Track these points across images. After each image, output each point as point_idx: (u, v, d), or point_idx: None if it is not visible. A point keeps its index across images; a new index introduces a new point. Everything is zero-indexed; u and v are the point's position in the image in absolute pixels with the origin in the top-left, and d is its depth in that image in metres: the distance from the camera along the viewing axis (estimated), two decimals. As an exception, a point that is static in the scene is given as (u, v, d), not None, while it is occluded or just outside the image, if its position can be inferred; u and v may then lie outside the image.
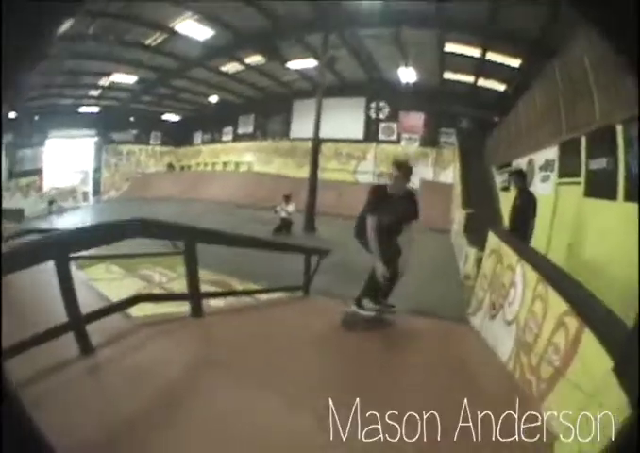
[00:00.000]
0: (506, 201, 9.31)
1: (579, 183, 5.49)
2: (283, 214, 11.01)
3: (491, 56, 10.95)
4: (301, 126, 18.28)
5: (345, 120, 16.23)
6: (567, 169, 6.10)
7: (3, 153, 15.33)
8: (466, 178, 10.95)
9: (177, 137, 22.91)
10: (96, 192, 19.77)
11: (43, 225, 12.40)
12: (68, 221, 14.50)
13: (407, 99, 15.28)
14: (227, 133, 21.53)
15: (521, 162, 8.79)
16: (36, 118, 17.01)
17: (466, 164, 11.68)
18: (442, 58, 11.88)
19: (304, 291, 5.07)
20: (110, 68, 14.32)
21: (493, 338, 3.40)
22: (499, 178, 10.74)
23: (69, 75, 14.14)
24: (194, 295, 3.20)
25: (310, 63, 13.73)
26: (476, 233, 8.42)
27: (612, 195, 4.29)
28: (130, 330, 2.69)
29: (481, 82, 13.07)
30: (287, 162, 18.63)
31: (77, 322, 2.38)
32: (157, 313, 3.07)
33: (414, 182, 14.32)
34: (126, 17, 10.69)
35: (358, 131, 16.53)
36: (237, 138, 21.01)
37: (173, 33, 11.70)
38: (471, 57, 11.32)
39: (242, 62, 14.39)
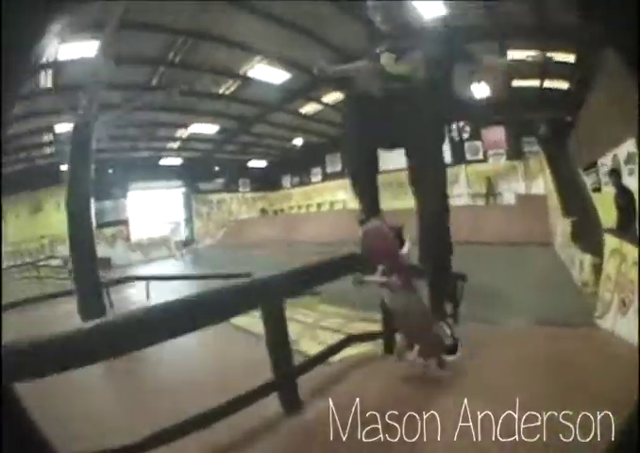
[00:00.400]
0: (599, 202, 8.98)
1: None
2: None
3: (550, 55, 10.74)
4: (390, 157, 18.70)
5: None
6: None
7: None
8: (560, 186, 10.72)
9: (266, 182, 23.77)
10: (190, 241, 20.29)
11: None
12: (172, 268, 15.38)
13: (484, 115, 15.26)
14: (316, 174, 22.49)
15: (607, 159, 8.50)
16: (110, 171, 17.33)
17: (556, 171, 11.47)
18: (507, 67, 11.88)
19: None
20: (186, 119, 15.05)
21: (628, 332, 3.56)
22: (588, 180, 10.31)
23: (141, 127, 14.83)
24: (389, 333, 3.04)
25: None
26: (584, 240, 8.26)
27: None
28: (337, 374, 2.52)
29: (547, 84, 12.91)
30: (384, 196, 19.11)
31: (289, 376, 2.13)
32: (351, 354, 2.98)
33: (510, 198, 14.17)
34: (190, 65, 11.03)
35: (445, 156, 16.72)
36: (326, 177, 21.83)
37: (246, 79, 12.07)
38: (533, 60, 11.18)
39: (320, 102, 14.99)
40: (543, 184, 13.65)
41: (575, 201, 9.77)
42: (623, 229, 5.27)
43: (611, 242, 4.87)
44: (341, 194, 20.14)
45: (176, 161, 20.48)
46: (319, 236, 16.42)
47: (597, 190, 9.64)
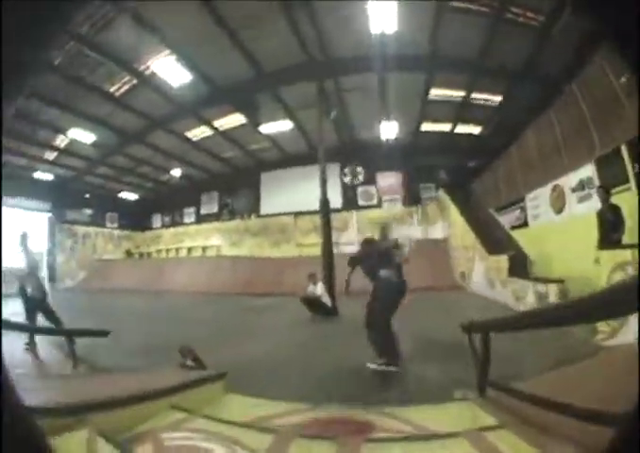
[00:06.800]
0: (523, 237, 9.34)
1: (629, 188, 6.09)
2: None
3: (475, 95, 11.29)
4: (272, 201, 17.76)
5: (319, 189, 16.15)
6: (609, 181, 6.41)
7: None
8: (475, 226, 10.85)
9: (135, 219, 21.06)
10: (51, 278, 16.42)
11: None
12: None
13: (382, 159, 15.24)
14: (190, 214, 20.07)
15: (542, 191, 8.88)
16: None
17: (466, 213, 11.70)
18: (424, 106, 12.05)
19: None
20: (68, 120, 12.27)
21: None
22: (507, 218, 10.73)
23: (24, 118, 11.72)
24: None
25: (285, 126, 13.39)
26: (523, 273, 8.15)
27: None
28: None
29: (458, 129, 13.42)
30: (260, 242, 17.55)
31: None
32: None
33: (405, 244, 13.99)
34: (98, 46, 8.91)
35: (335, 200, 15.99)
36: (201, 219, 19.65)
37: (143, 78, 10.26)
38: (454, 100, 11.60)
39: (211, 126, 13.55)
40: (441, 230, 13.95)
41: (496, 239, 9.90)
42: (613, 244, 5.30)
43: (615, 254, 4.78)
44: (215, 239, 18.78)
45: (49, 176, 17.01)
46: (191, 285, 14.91)
47: (520, 226, 9.96)
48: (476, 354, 2.83)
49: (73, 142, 13.79)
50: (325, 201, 9.77)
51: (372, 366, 4.40)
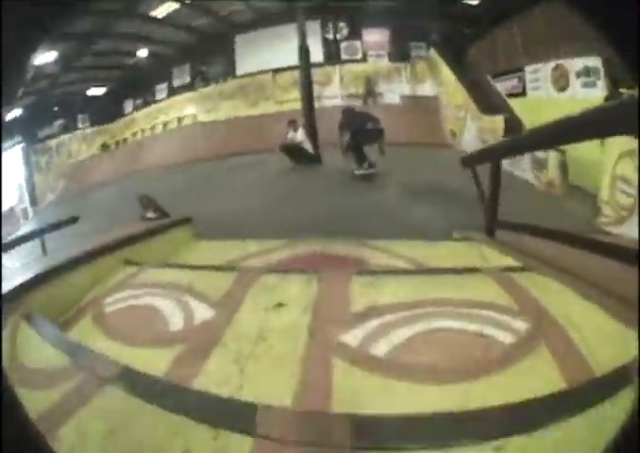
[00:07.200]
0: (519, 106, 9.39)
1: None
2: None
3: None
4: (250, 61, 16.32)
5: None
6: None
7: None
8: (470, 87, 10.72)
9: (106, 112, 19.26)
10: (33, 202, 15.71)
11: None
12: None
13: (369, 17, 14.36)
14: (162, 90, 18.21)
15: (543, 68, 8.67)
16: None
17: (459, 74, 11.45)
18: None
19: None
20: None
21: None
22: (503, 85, 10.57)
23: None
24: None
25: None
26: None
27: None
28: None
29: None
30: (237, 104, 16.74)
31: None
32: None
33: (394, 98, 13.82)
34: None
35: (317, 55, 14.73)
36: (173, 92, 17.98)
37: None
38: None
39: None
40: (431, 88, 13.64)
41: (490, 101, 9.93)
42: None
43: (620, 143, 4.69)
44: (190, 109, 17.36)
45: (17, 112, 15.21)
46: (167, 158, 14.46)
47: (519, 94, 9.87)
48: (481, 190, 2.68)
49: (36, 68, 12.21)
50: (305, 49, 9.27)
51: (358, 172, 6.73)
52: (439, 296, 1.50)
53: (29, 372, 1.25)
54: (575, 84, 7.89)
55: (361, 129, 6.77)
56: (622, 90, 5.86)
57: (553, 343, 1.25)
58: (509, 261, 2.00)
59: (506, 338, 1.29)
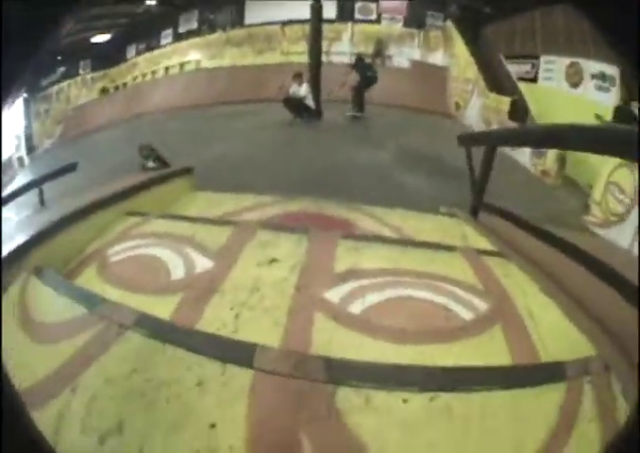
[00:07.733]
0: (529, 91, 9.29)
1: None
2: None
3: None
4: (259, 12, 15.94)
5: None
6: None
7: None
8: (481, 63, 10.58)
9: (109, 57, 18.58)
10: (30, 149, 15.22)
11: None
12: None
13: None
14: (167, 36, 17.70)
15: (558, 61, 8.55)
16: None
17: (473, 49, 11.28)
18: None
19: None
20: None
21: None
22: (515, 68, 10.40)
23: None
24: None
25: None
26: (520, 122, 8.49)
27: None
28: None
29: None
30: (243, 51, 16.40)
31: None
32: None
33: (403, 62, 13.64)
34: None
35: (329, 12, 14.30)
36: (178, 38, 17.47)
37: None
38: None
39: None
40: (442, 58, 13.39)
41: (500, 81, 9.85)
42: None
43: None
44: (194, 54, 16.98)
45: None
46: (167, 102, 14.37)
47: (532, 80, 9.74)
48: (472, 170, 2.78)
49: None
50: (317, 7, 9.08)
51: (349, 113, 9.34)
52: (414, 268, 1.64)
53: (44, 327, 1.33)
54: (588, 84, 7.83)
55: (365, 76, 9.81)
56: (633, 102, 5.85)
57: (508, 328, 1.37)
58: (485, 244, 2.16)
59: (467, 314, 1.42)
